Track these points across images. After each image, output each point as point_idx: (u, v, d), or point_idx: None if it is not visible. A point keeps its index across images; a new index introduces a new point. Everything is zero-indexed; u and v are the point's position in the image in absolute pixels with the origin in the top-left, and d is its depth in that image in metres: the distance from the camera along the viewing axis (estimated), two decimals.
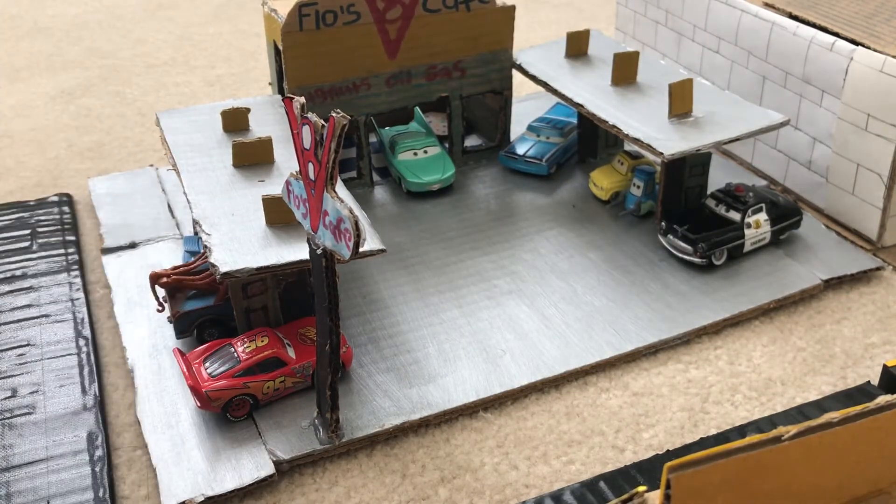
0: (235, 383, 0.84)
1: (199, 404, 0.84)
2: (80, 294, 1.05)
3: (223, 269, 0.83)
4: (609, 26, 1.79)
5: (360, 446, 0.85)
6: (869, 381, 0.91)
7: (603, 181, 1.20)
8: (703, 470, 0.47)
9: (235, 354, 0.86)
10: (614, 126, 1.09)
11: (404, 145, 1.27)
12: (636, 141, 1.06)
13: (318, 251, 0.74)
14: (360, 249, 0.68)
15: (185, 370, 0.86)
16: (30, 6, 2.13)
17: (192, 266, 0.96)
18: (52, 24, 2.01)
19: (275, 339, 0.88)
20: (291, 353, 0.88)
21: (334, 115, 0.66)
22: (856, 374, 0.93)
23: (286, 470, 0.82)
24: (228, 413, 0.85)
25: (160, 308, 0.96)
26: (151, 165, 1.34)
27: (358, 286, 1.05)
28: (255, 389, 0.85)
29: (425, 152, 1.26)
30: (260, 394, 0.86)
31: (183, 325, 0.93)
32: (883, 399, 0.51)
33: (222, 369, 0.85)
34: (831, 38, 1.13)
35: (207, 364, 0.87)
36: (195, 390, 0.83)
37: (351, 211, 0.67)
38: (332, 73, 1.17)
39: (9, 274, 1.09)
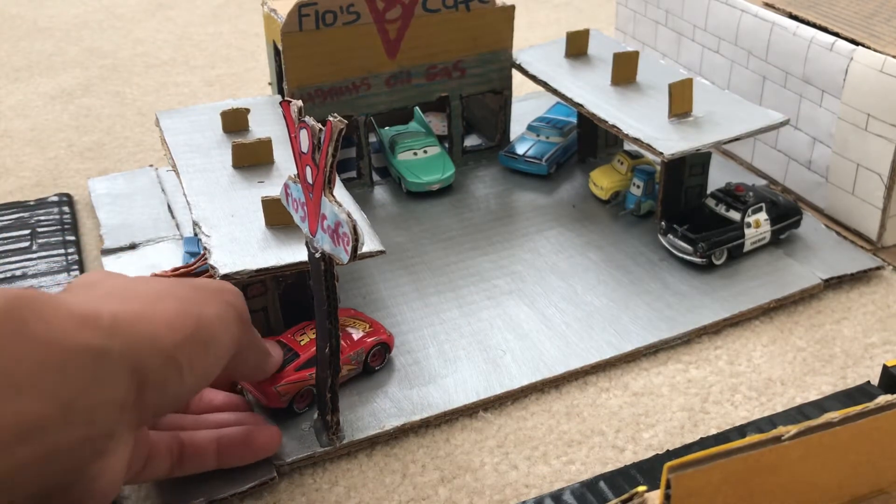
0: (301, 376, 0.84)
1: (265, 401, 0.84)
2: None
3: (223, 270, 0.83)
4: (609, 26, 1.79)
5: (361, 447, 0.85)
6: (869, 381, 0.91)
7: (603, 181, 1.20)
8: (703, 470, 0.47)
9: (291, 349, 0.86)
10: (614, 126, 1.09)
11: (404, 145, 1.27)
12: (636, 141, 1.06)
13: (317, 255, 0.74)
14: (359, 251, 0.68)
15: None
16: (30, 6, 2.13)
17: (192, 267, 0.96)
18: (52, 24, 2.01)
19: None
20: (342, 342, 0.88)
21: (331, 119, 0.66)
22: (856, 374, 0.93)
23: (287, 472, 0.82)
24: (295, 406, 0.85)
25: None
26: (151, 166, 1.34)
27: (358, 286, 1.05)
28: None
29: (425, 152, 1.26)
30: None
31: None
32: (883, 399, 0.51)
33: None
34: (831, 38, 1.12)
35: None
36: (262, 387, 0.83)
37: (349, 215, 0.67)
38: (331, 74, 1.17)
39: (9, 274, 1.09)
